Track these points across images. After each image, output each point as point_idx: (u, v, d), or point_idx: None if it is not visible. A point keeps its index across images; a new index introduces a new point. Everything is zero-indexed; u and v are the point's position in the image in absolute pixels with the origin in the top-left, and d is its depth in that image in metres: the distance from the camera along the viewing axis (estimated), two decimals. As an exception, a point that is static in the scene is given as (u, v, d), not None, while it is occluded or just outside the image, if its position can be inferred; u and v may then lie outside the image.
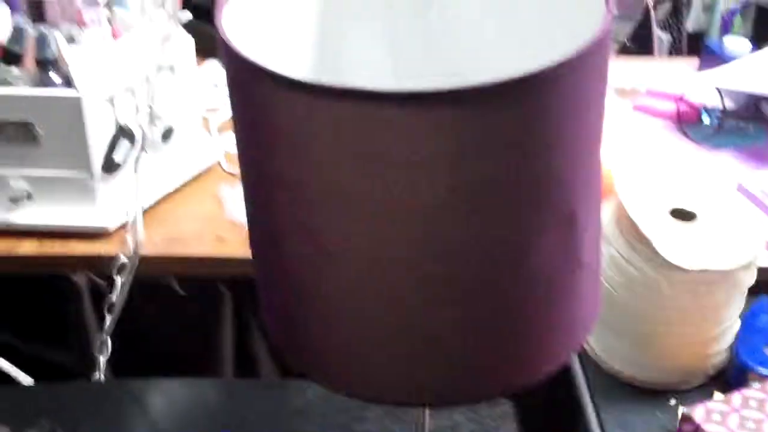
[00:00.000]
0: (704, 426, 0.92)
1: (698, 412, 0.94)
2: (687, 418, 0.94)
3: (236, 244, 1.25)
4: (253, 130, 0.65)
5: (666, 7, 2.15)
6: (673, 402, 1.08)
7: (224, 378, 1.28)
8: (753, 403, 0.95)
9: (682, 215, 1.08)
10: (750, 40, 1.64)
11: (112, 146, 1.25)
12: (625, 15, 2.08)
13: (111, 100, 1.24)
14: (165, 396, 1.17)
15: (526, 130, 0.60)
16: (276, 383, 1.30)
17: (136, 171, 1.17)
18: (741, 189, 1.31)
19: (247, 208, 0.73)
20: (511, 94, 0.58)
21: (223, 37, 0.63)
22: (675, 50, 2.12)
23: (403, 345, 0.67)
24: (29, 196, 1.25)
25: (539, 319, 0.69)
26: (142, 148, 1.21)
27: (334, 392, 0.72)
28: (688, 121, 1.51)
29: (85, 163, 1.24)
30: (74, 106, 1.21)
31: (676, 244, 1.02)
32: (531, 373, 0.71)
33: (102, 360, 1.22)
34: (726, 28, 1.99)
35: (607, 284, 1.07)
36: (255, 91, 0.61)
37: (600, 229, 0.75)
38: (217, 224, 1.30)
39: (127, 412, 1.14)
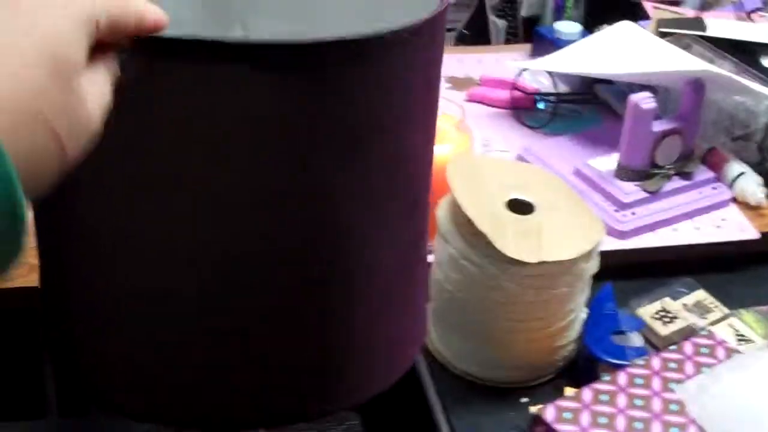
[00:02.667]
0: (555, 426, 0.88)
1: (549, 412, 0.89)
2: (538, 419, 0.90)
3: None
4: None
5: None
6: (524, 400, 1.04)
7: (49, 419, 1.17)
8: (604, 398, 0.91)
9: (520, 207, 1.03)
10: (582, 24, 1.63)
11: None
12: (462, 3, 2.04)
13: None
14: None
15: (353, 102, 0.54)
16: (105, 422, 1.20)
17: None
18: (578, 173, 1.28)
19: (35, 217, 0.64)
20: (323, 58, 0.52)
21: None
22: (511, 37, 2.10)
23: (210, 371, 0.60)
24: None
25: (372, 328, 0.63)
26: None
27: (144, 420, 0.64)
28: (522, 108, 1.48)
29: None
30: None
31: (514, 238, 0.98)
32: (363, 389, 0.64)
33: None
34: (559, 12, 1.98)
35: (447, 284, 1.02)
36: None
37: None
38: (28, 251, 1.19)
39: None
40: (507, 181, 1.06)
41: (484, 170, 1.08)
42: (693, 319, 1.12)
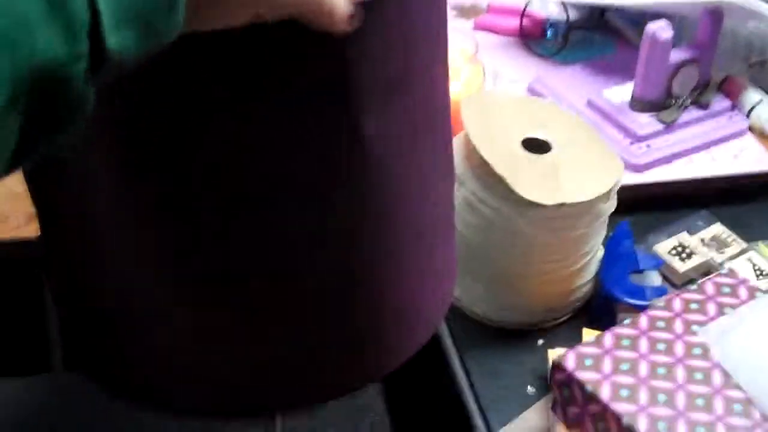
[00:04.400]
0: (576, 374, 0.86)
1: (569, 358, 0.87)
2: (558, 366, 0.88)
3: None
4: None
5: None
6: (540, 342, 1.02)
7: (53, 373, 1.16)
8: (625, 342, 0.89)
9: (536, 146, 1.00)
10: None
11: None
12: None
13: None
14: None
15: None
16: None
17: None
18: (591, 104, 1.24)
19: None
20: None
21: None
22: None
23: (241, 356, 0.58)
24: None
25: (380, 310, 0.60)
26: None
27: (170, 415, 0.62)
28: (532, 36, 1.43)
29: None
30: None
31: (530, 179, 0.95)
32: (385, 362, 0.62)
33: None
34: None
35: (462, 228, 0.99)
36: None
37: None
38: (24, 201, 1.16)
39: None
40: (522, 119, 1.03)
41: (497, 108, 1.04)
42: (711, 254, 1.10)
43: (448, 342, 1.03)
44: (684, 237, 1.11)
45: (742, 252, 1.11)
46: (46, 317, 1.15)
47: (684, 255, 1.09)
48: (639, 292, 1.00)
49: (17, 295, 1.15)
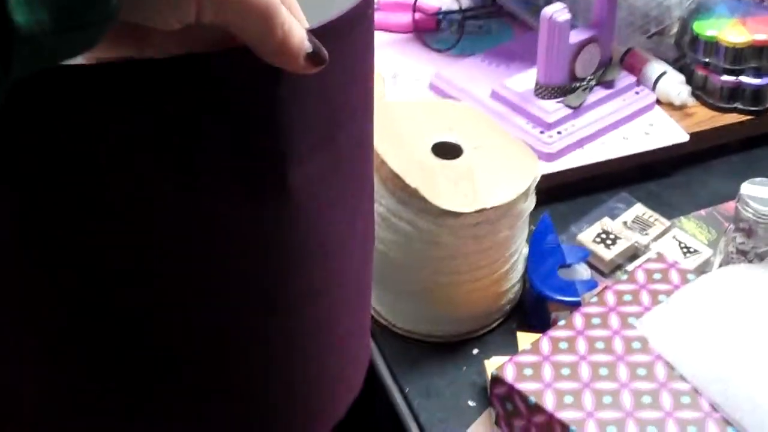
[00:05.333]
0: (517, 386, 0.82)
1: (508, 370, 0.84)
2: (497, 380, 0.84)
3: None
4: None
5: None
6: (475, 351, 0.99)
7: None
8: (563, 345, 0.86)
9: (447, 150, 0.96)
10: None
11: None
12: None
13: None
14: None
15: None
16: None
17: None
18: (495, 96, 1.21)
19: None
20: None
21: None
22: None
23: None
24: None
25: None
26: None
27: None
28: (426, 30, 1.39)
29: None
30: None
31: (445, 187, 0.91)
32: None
33: None
34: None
35: (380, 245, 0.95)
36: None
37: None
38: None
39: None
40: (429, 124, 0.98)
41: (402, 115, 1.00)
42: (635, 237, 1.07)
43: (380, 364, 0.99)
44: (606, 222, 1.09)
45: (666, 231, 1.09)
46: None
47: (608, 241, 1.06)
48: (569, 288, 0.97)
49: None
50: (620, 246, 1.06)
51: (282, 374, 0.51)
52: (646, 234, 1.08)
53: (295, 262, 0.48)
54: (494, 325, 1.01)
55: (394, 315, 0.99)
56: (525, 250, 1.02)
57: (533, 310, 1.00)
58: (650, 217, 1.10)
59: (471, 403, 0.93)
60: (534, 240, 1.02)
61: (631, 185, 1.17)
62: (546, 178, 1.12)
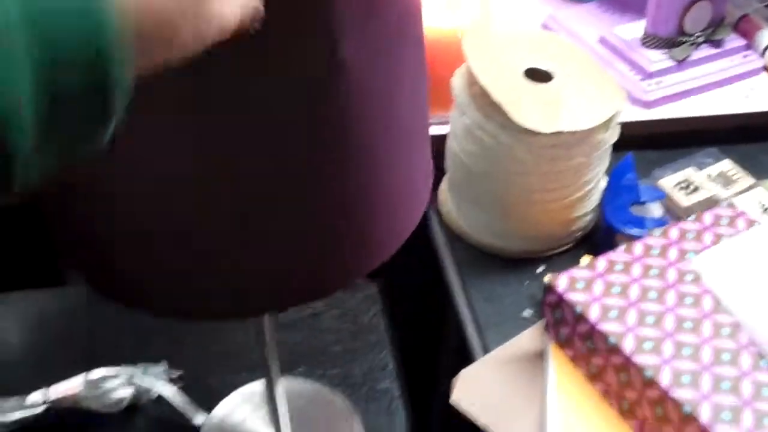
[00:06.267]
0: (567, 296, 0.87)
1: (561, 280, 0.89)
2: (550, 288, 0.89)
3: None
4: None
5: None
6: (540, 269, 1.04)
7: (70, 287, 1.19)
8: (618, 267, 0.90)
9: (537, 76, 1.01)
10: None
11: None
12: None
13: None
14: (12, 311, 1.08)
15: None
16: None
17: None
18: (603, 41, 1.24)
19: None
20: None
21: None
22: None
23: (227, 255, 0.60)
24: None
25: (363, 203, 0.62)
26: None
27: (162, 316, 0.64)
28: (550, -25, 1.43)
29: None
30: None
31: (530, 107, 0.95)
32: (373, 255, 0.64)
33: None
34: None
35: (462, 156, 1.01)
36: None
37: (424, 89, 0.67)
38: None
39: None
40: (525, 51, 1.03)
41: (501, 40, 1.05)
42: (716, 190, 1.10)
43: (450, 268, 1.05)
44: (690, 172, 1.12)
45: (749, 188, 1.11)
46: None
47: (689, 190, 1.09)
48: (639, 222, 1.01)
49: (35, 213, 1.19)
50: (700, 195, 1.08)
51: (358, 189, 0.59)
52: (728, 189, 1.10)
53: (358, 117, 0.56)
54: (563, 249, 1.05)
55: (470, 225, 1.05)
56: (603, 183, 1.06)
57: (602, 240, 1.04)
58: (736, 173, 1.12)
59: (527, 314, 0.98)
60: (613, 175, 1.06)
61: (724, 143, 1.19)
62: (639, 125, 1.16)
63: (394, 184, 0.63)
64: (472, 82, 0.99)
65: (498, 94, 0.95)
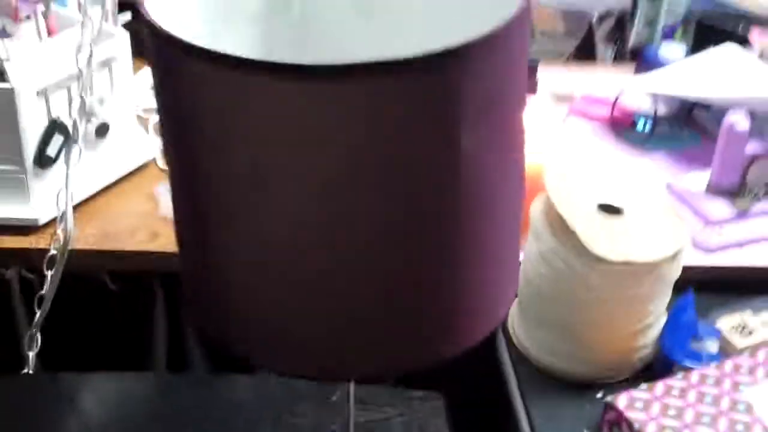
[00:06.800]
0: (627, 413, 0.94)
1: (621, 399, 0.95)
2: (610, 406, 0.95)
3: (171, 240, 1.24)
4: (170, 103, 0.66)
5: (609, 23, 2.19)
6: (600, 395, 1.10)
7: (157, 372, 1.28)
8: (675, 392, 0.97)
9: (610, 210, 1.09)
10: (689, 49, 1.67)
11: (45, 140, 1.24)
12: (569, 32, 2.11)
13: (45, 94, 1.23)
14: (96, 390, 1.16)
15: (434, 107, 0.61)
16: (207, 378, 1.30)
17: (67, 164, 1.16)
18: (670, 188, 1.33)
19: (173, 194, 0.74)
20: (422, 68, 0.59)
21: (147, 16, 0.63)
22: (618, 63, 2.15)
23: (322, 318, 0.67)
24: (-40, 187, 1.25)
25: (475, 268, 0.69)
26: (75, 143, 1.20)
27: (258, 365, 0.72)
28: (621, 125, 1.53)
29: (17, 157, 1.23)
30: (7, 99, 1.20)
31: (602, 238, 1.04)
32: (456, 342, 0.71)
33: (31, 355, 1.21)
34: (667, 40, 2.03)
35: (535, 279, 1.09)
36: (173, 64, 0.62)
37: (518, 215, 0.76)
38: (151, 221, 1.30)
39: (57, 406, 1.13)
40: (599, 187, 1.12)
41: (578, 175, 1.14)
42: (770, 341, 1.16)
43: (513, 385, 1.11)
44: (746, 316, 1.18)
45: (803, 336, 1.17)
46: (154, 324, 1.28)
47: (744, 332, 1.15)
48: (696, 356, 1.07)
49: (132, 303, 1.28)
50: (754, 338, 1.14)
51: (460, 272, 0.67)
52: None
53: (467, 206, 0.65)
54: (622, 378, 1.12)
55: (536, 347, 1.12)
56: (663, 318, 1.13)
57: (660, 372, 1.10)
58: (791, 321, 1.18)
59: (585, 432, 1.04)
60: (674, 311, 1.13)
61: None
62: (699, 270, 1.23)
63: (491, 275, 0.71)
64: (549, 210, 1.08)
65: (573, 223, 1.03)
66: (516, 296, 0.85)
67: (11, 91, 1.20)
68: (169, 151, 0.71)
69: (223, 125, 0.62)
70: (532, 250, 1.10)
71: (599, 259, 1.02)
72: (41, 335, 1.22)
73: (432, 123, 0.61)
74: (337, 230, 0.63)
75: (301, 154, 0.61)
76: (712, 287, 1.24)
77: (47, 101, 1.24)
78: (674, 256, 1.05)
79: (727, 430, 0.92)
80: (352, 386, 0.78)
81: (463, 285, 0.69)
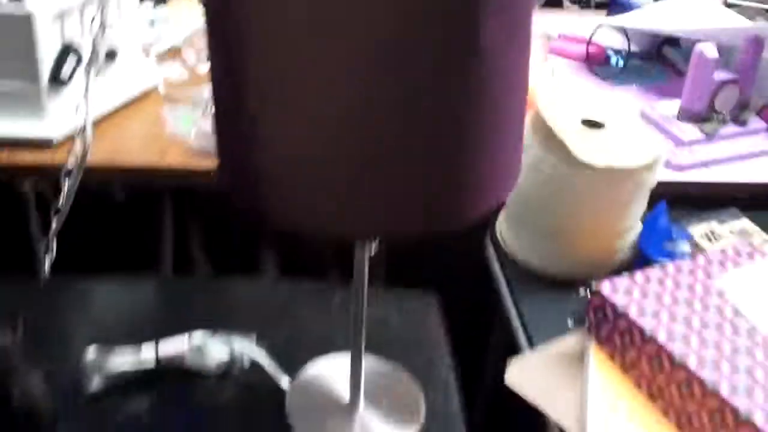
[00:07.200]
0: (610, 297, 1.03)
1: (605, 286, 1.05)
2: (595, 293, 1.05)
3: (178, 157, 1.33)
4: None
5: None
6: (582, 292, 1.20)
7: (161, 274, 1.36)
8: (654, 280, 1.06)
9: (593, 125, 1.19)
10: None
11: (59, 63, 1.31)
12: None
13: (60, 17, 1.30)
14: (105, 291, 1.23)
15: None
16: (212, 279, 1.38)
17: (87, 75, 1.23)
18: (643, 114, 1.43)
19: (211, 63, 0.80)
20: None
21: None
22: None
23: (344, 171, 0.75)
24: (-22, 108, 1.31)
25: (486, 149, 0.77)
26: (90, 64, 1.27)
27: (280, 227, 0.79)
28: (596, 61, 1.63)
29: (33, 78, 1.30)
30: (25, 23, 1.27)
31: (586, 147, 1.13)
32: (474, 206, 0.80)
33: (47, 263, 1.28)
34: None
35: (524, 186, 1.18)
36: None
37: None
38: (159, 140, 1.38)
39: (68, 305, 1.20)
40: (582, 105, 1.22)
41: (563, 96, 1.24)
42: (737, 241, 1.26)
43: (503, 285, 1.21)
44: (714, 225, 1.29)
45: (764, 242, 1.28)
46: (162, 234, 1.36)
47: (713, 239, 1.26)
48: (670, 254, 1.18)
49: (141, 215, 1.36)
50: (722, 244, 1.25)
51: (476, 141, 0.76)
52: (748, 241, 1.27)
53: (485, 95, 0.74)
54: (602, 277, 1.21)
55: (523, 250, 1.22)
56: (640, 225, 1.23)
57: (638, 269, 1.20)
58: (755, 231, 1.29)
59: (570, 323, 1.14)
60: (649, 217, 1.23)
61: (744, 208, 1.36)
62: (671, 185, 1.34)
63: (500, 158, 0.80)
64: (538, 125, 1.17)
65: (561, 134, 1.13)
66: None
67: (29, 15, 1.26)
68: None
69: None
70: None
71: (584, 165, 1.12)
72: (56, 245, 1.29)
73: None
74: (380, 87, 0.71)
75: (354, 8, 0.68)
76: (683, 202, 1.35)
77: (62, 23, 1.31)
78: (651, 165, 1.15)
79: (701, 311, 1.02)
80: (371, 247, 0.86)
81: (478, 161, 0.77)
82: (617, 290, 1.05)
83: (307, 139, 0.74)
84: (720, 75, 1.38)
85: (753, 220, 1.32)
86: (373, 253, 0.92)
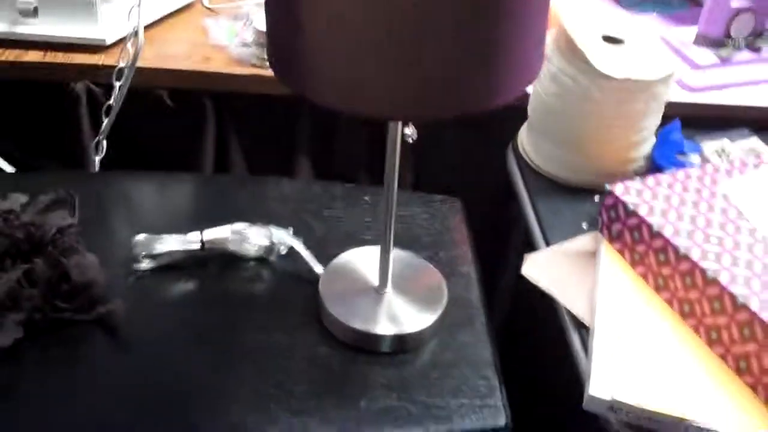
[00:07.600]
0: (622, 197, 1.11)
1: (618, 187, 1.13)
2: (609, 193, 1.13)
3: (221, 63, 1.41)
4: None
5: None
6: (597, 199, 1.28)
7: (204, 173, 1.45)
8: (664, 184, 1.15)
9: (612, 41, 1.26)
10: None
11: (112, -31, 1.39)
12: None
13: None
14: (151, 188, 1.31)
15: None
16: (251, 178, 1.47)
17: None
18: (661, 39, 1.50)
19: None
20: None
21: None
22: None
23: (384, 54, 0.82)
24: (36, 11, 1.39)
25: (515, 32, 0.84)
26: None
27: (320, 103, 0.87)
28: (619, -11, 1.70)
29: (87, -17, 1.39)
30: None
31: (605, 59, 1.21)
32: (502, 88, 0.87)
33: (97, 159, 1.37)
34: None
35: (544, 95, 1.26)
36: None
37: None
38: (202, 47, 1.46)
39: (117, 199, 1.28)
40: (603, 22, 1.29)
41: (585, 12, 1.31)
42: (746, 157, 1.34)
43: (521, 188, 1.29)
44: (725, 142, 1.36)
45: (772, 160, 1.35)
46: (204, 136, 1.45)
47: (723, 155, 1.34)
48: (681, 165, 1.25)
49: (185, 117, 1.45)
50: (732, 158, 1.33)
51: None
52: (757, 159, 1.35)
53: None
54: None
55: (541, 159, 1.30)
56: (654, 138, 1.31)
57: (649, 182, 1.28)
58: (764, 149, 1.37)
59: (585, 225, 1.22)
60: (663, 132, 1.31)
61: (757, 130, 1.43)
62: (685, 106, 1.41)
63: (533, 38, 0.87)
64: (560, 38, 1.24)
65: (582, 47, 1.20)
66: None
67: None
68: None
69: None
70: (542, 71, 1.27)
71: (603, 76, 1.19)
72: (105, 144, 1.38)
73: None
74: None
75: None
76: (696, 122, 1.42)
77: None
78: (666, 79, 1.23)
79: (706, 211, 1.10)
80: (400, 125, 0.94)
81: (509, 43, 0.85)
82: (629, 191, 1.13)
83: (342, 23, 0.82)
84: (736, 2, 1.44)
85: (763, 140, 1.40)
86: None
